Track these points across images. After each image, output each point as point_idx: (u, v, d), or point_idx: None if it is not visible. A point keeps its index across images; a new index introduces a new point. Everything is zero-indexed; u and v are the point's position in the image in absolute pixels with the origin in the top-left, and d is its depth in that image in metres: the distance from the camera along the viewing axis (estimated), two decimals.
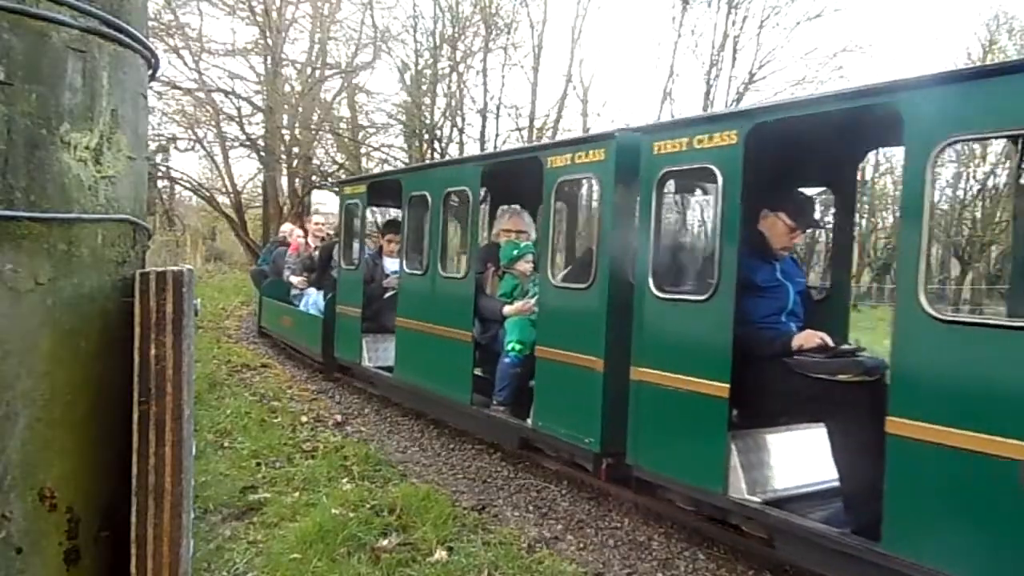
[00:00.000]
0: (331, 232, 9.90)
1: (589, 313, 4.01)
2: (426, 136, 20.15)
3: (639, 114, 29.63)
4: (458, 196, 5.58)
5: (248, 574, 3.06)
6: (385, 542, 3.39)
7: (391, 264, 6.91)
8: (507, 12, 20.47)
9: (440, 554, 3.30)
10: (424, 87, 20.56)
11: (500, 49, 20.55)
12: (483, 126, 20.76)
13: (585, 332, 4.03)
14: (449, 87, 20.44)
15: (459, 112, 20.45)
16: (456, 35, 19.91)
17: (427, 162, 7.18)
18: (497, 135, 21.17)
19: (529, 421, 4.45)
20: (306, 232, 10.62)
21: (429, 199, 5.56)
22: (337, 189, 7.33)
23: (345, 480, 4.28)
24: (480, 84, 20.39)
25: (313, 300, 8.20)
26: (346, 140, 21.94)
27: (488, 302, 5.09)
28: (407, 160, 21.87)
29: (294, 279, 8.90)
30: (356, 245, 7.01)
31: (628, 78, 40.49)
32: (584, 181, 4.92)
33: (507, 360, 4.75)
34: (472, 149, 20.88)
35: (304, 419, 5.74)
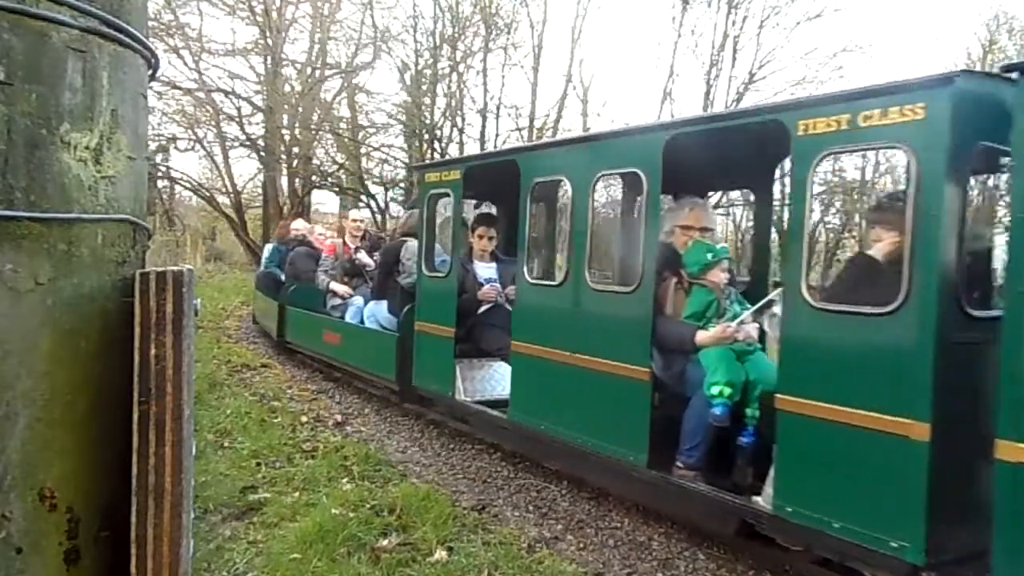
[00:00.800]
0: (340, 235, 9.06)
1: (895, 353, 2.73)
2: (426, 136, 20.17)
3: (639, 114, 29.67)
4: (621, 181, 4.34)
5: (248, 574, 3.06)
6: (385, 542, 3.39)
7: (484, 269, 5.50)
8: (507, 12, 20.48)
9: (440, 554, 3.30)
10: (424, 87, 20.57)
11: (500, 49, 20.57)
12: (483, 126, 20.78)
13: (887, 381, 2.74)
14: (449, 87, 20.46)
15: (459, 112, 20.47)
16: (456, 35, 19.92)
17: (565, 137, 5.23)
18: (497, 135, 21.21)
19: (761, 500, 3.16)
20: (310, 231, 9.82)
21: (569, 186, 4.22)
22: (416, 175, 5.92)
23: (345, 480, 4.28)
24: (480, 84, 20.41)
25: (370, 312, 6.67)
26: (346, 140, 21.95)
27: (670, 326, 3.72)
28: (407, 160, 21.87)
29: (337, 287, 7.52)
30: (449, 247, 5.47)
31: (628, 78, 40.50)
32: (874, 153, 3.60)
33: (716, 411, 3.41)
34: (472, 149, 20.89)
35: (304, 419, 5.74)
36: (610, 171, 4.04)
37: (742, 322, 3.61)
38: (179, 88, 19.24)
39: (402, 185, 23.56)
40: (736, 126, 3.51)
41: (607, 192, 4.71)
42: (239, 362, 8.05)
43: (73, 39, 1.04)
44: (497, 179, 5.23)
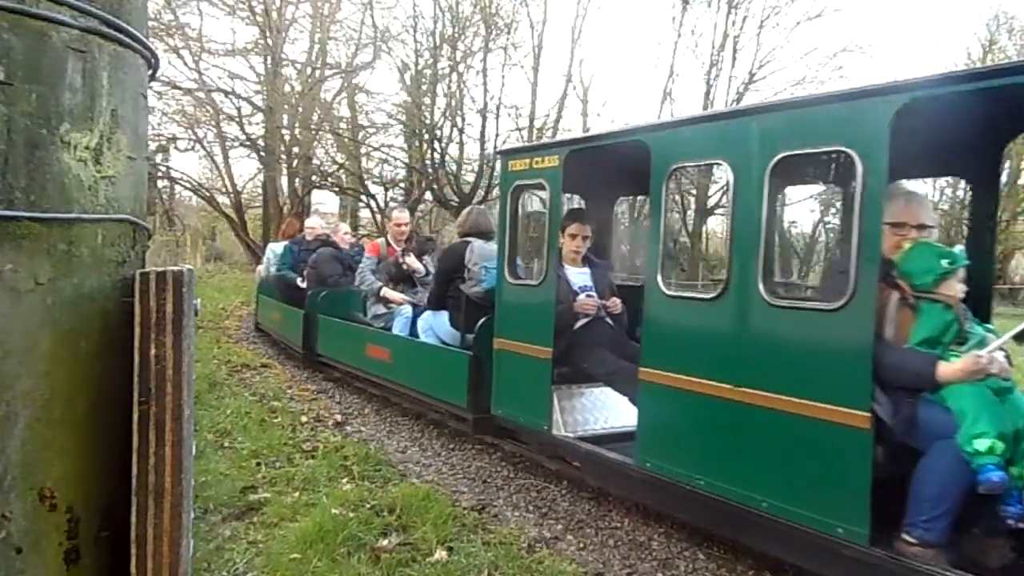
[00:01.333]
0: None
1: None
2: (426, 136, 20.18)
3: (639, 114, 29.71)
4: (817, 164, 3.38)
5: (248, 574, 3.06)
6: (385, 542, 3.39)
7: (577, 276, 4.65)
8: (507, 12, 20.54)
9: (440, 554, 3.30)
10: (424, 87, 20.60)
11: (500, 49, 20.60)
12: (483, 126, 20.82)
13: None
14: (449, 87, 20.49)
15: (459, 112, 20.50)
16: (456, 35, 19.94)
17: (728, 109, 4.07)
18: (497, 135, 21.25)
19: None
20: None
21: (731, 171, 3.21)
22: (501, 160, 4.82)
23: (345, 480, 4.28)
24: (480, 84, 20.46)
25: (426, 324, 5.72)
26: (346, 140, 21.97)
27: (899, 356, 2.81)
28: (407, 160, 21.90)
29: (392, 293, 6.44)
30: (543, 250, 4.42)
31: (628, 78, 40.56)
32: None
33: (991, 476, 2.50)
34: (472, 149, 20.94)
35: (304, 419, 5.74)
36: (800, 151, 3.03)
37: (991, 350, 2.74)
38: (179, 88, 19.30)
39: (402, 185, 23.61)
40: (982, 89, 2.57)
41: (790, 179, 3.62)
42: (239, 362, 8.05)
43: (73, 39, 1.04)
44: (617, 164, 4.37)
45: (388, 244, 6.86)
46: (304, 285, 8.26)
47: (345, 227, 9.17)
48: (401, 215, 7.21)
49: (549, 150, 4.42)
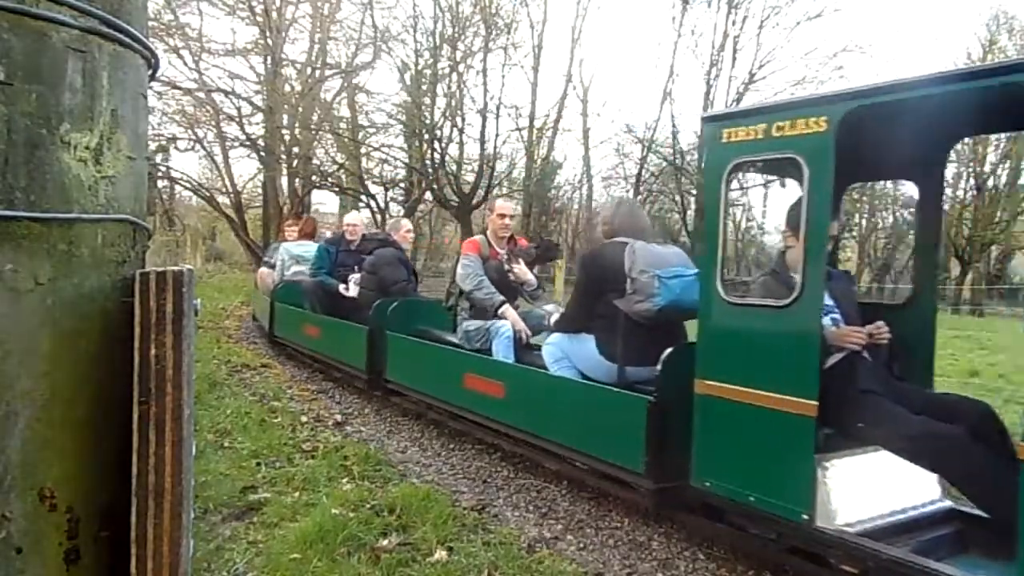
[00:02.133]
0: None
1: None
2: (426, 136, 20.18)
3: (639, 114, 29.73)
4: None
5: (248, 574, 3.06)
6: (385, 542, 3.39)
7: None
8: (507, 12, 20.57)
9: (440, 554, 3.30)
10: (424, 87, 20.60)
11: (500, 49, 20.62)
12: (483, 126, 20.82)
13: None
14: (449, 87, 20.49)
15: (459, 112, 20.49)
16: (456, 35, 19.94)
17: None
18: (497, 135, 21.26)
19: None
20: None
21: None
22: (708, 129, 3.33)
23: (345, 480, 4.28)
24: (480, 84, 20.47)
25: (557, 351, 4.29)
26: (346, 140, 21.97)
27: None
28: (407, 160, 21.90)
29: (515, 316, 5.04)
30: (796, 256, 3.06)
31: (628, 78, 40.56)
32: None
33: None
34: (472, 149, 20.94)
35: (304, 419, 5.74)
36: None
37: None
38: (179, 88, 19.29)
39: (402, 185, 23.62)
40: None
41: None
42: (239, 362, 8.05)
43: (73, 39, 1.04)
44: (862, 136, 3.11)
45: (489, 244, 5.34)
46: (350, 294, 7.02)
47: (407, 224, 7.26)
48: (506, 205, 5.52)
49: (809, 109, 2.94)
